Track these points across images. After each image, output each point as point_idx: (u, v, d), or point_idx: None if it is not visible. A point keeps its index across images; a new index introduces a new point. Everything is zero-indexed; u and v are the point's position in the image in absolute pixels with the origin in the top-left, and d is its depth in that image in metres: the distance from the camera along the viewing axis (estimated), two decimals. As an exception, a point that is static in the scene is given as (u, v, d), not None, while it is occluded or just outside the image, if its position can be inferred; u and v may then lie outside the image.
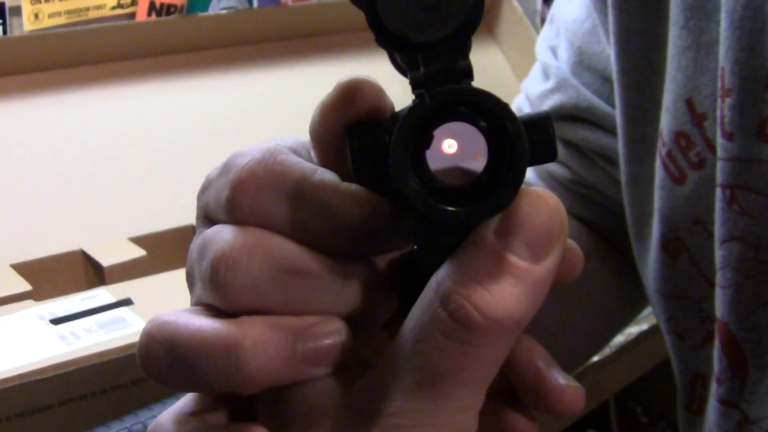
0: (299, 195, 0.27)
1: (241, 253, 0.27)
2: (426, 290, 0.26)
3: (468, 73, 0.25)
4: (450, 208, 0.25)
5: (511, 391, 0.30)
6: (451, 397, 0.25)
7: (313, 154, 0.30)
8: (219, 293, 0.27)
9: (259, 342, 0.26)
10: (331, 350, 0.27)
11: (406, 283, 0.28)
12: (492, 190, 0.25)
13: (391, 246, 0.29)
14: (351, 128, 0.28)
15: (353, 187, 0.27)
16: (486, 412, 0.27)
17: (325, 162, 0.29)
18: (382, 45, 0.26)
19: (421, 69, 0.25)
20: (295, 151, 0.30)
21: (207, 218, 0.30)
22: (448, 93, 0.25)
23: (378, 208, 0.27)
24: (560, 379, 0.29)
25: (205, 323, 0.27)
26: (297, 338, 0.27)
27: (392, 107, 0.28)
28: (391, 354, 0.26)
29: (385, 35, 0.25)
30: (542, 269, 0.26)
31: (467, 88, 0.25)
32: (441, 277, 0.26)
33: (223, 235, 0.27)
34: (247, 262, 0.27)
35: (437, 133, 0.26)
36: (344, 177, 0.28)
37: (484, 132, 0.26)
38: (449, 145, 0.26)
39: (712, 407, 0.51)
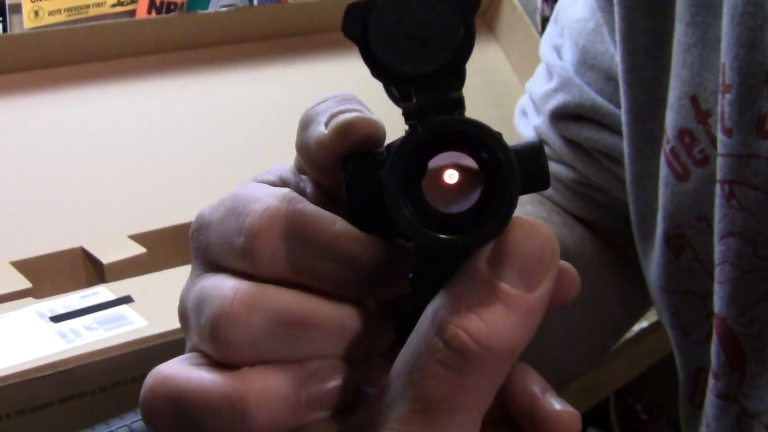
0: (320, 245, 0.27)
1: (240, 310, 0.27)
2: (422, 319, 0.26)
3: (460, 103, 0.26)
4: (442, 236, 0.25)
5: (508, 417, 0.30)
6: (448, 425, 0.25)
7: (302, 177, 0.30)
8: (219, 348, 0.27)
9: (263, 394, 0.26)
10: (334, 392, 0.27)
11: (403, 313, 0.28)
12: (485, 219, 0.25)
13: (398, 288, 0.29)
14: (346, 159, 0.28)
15: (369, 235, 0.28)
16: None
17: (319, 187, 0.30)
18: (375, 76, 0.26)
19: (414, 100, 0.26)
20: (287, 182, 0.30)
21: (207, 261, 0.29)
22: (440, 124, 0.25)
23: (393, 254, 0.28)
24: (556, 404, 0.29)
25: (206, 378, 0.27)
26: (301, 385, 0.27)
27: (385, 137, 0.29)
28: (387, 383, 0.26)
29: (378, 68, 0.25)
30: (535, 297, 0.26)
31: (459, 119, 0.25)
32: (436, 306, 0.26)
33: (221, 290, 0.27)
34: (246, 318, 0.27)
35: (438, 162, 0.26)
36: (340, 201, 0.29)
37: (480, 161, 0.26)
38: (450, 176, 0.26)
39: (709, 402, 0.51)
